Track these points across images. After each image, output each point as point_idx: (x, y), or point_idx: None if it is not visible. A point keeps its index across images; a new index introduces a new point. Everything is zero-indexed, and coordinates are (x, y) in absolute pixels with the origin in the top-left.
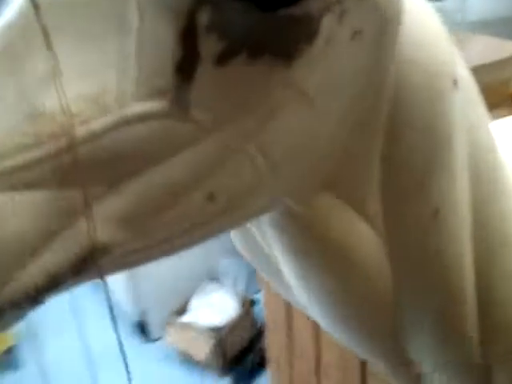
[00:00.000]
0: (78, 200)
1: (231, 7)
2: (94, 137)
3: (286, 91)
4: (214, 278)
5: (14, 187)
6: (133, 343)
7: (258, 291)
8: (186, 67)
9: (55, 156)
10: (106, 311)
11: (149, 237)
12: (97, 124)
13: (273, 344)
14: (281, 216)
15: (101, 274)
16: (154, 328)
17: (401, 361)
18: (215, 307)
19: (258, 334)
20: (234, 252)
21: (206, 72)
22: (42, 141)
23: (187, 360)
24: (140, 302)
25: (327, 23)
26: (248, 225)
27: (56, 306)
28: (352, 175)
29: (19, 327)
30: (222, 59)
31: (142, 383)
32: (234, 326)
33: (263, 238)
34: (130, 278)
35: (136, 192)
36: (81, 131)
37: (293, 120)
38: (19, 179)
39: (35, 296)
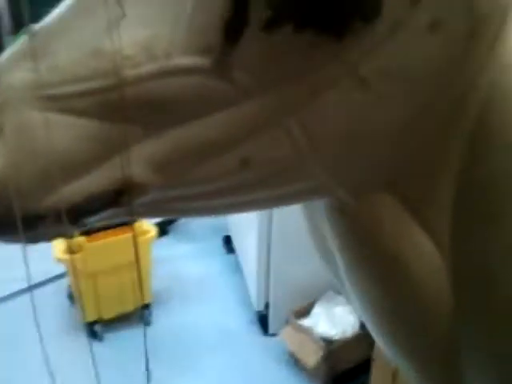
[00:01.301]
0: (119, 135)
1: None
2: (139, 80)
3: (337, 70)
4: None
5: (68, 111)
6: (250, 331)
7: None
8: (233, 29)
9: (105, 91)
10: (235, 294)
11: (183, 187)
12: (144, 69)
13: (377, 379)
14: (332, 208)
15: (132, 212)
16: (272, 323)
17: None
18: (335, 319)
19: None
20: None
21: (252, 37)
22: (97, 76)
23: (295, 363)
24: (266, 295)
25: (396, 6)
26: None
27: (188, 277)
28: (417, 179)
29: (156, 289)
30: (269, 27)
31: (245, 371)
32: (348, 343)
33: (318, 229)
34: (262, 269)
35: (172, 141)
36: (129, 73)
37: (342, 100)
38: (73, 105)
39: (73, 212)
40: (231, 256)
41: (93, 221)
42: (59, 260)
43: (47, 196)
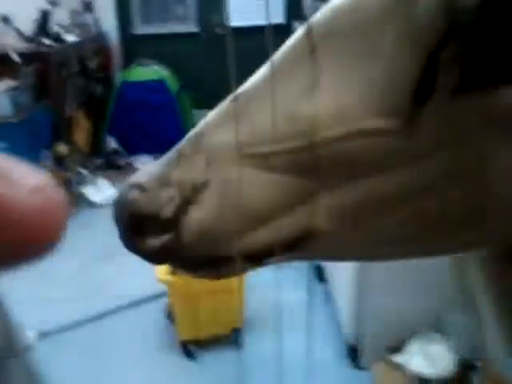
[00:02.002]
0: (308, 188)
1: (479, 44)
2: (330, 141)
3: None
4: (436, 327)
5: (264, 168)
6: (340, 364)
7: (481, 359)
8: (421, 93)
9: (299, 150)
10: (326, 325)
11: (356, 236)
12: (335, 131)
13: None
14: (488, 257)
15: (312, 257)
16: (364, 357)
17: None
18: (430, 358)
19: None
20: (463, 307)
21: (439, 100)
22: (291, 138)
23: None
24: (358, 328)
25: None
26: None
27: (279, 304)
28: None
29: (248, 314)
30: (457, 90)
31: None
32: (445, 383)
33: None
34: (355, 301)
35: (353, 194)
36: (322, 135)
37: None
38: (270, 162)
39: (256, 256)
40: (323, 285)
41: (271, 261)
42: (161, 281)
43: (239, 241)
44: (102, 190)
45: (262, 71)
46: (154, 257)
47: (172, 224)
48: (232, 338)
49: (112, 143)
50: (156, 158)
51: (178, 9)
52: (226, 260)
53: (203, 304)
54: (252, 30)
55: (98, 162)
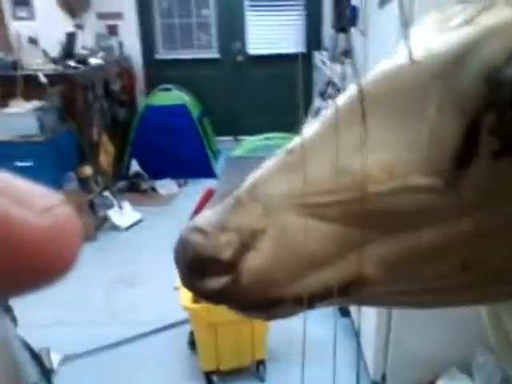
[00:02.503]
0: (357, 238)
1: None
2: (380, 195)
3: None
4: (465, 368)
5: (317, 217)
6: None
7: None
8: (463, 157)
9: (349, 202)
10: (349, 360)
11: (404, 284)
12: (385, 186)
13: None
14: None
15: (359, 302)
16: None
17: None
18: None
19: None
20: (492, 349)
21: (480, 163)
22: (344, 190)
23: None
24: (383, 365)
25: None
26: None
27: (302, 336)
28: None
29: (271, 346)
30: (498, 155)
31: None
32: None
33: (501, 321)
34: (380, 337)
35: (401, 244)
36: (372, 189)
37: None
38: (322, 212)
39: (309, 298)
40: (346, 319)
41: (322, 305)
42: (184, 308)
43: (292, 285)
44: (125, 214)
45: (317, 126)
46: (213, 297)
47: (230, 267)
48: (255, 371)
49: (135, 166)
50: (178, 182)
51: (201, 36)
52: (279, 303)
53: (225, 334)
54: (273, 58)
55: (121, 184)
